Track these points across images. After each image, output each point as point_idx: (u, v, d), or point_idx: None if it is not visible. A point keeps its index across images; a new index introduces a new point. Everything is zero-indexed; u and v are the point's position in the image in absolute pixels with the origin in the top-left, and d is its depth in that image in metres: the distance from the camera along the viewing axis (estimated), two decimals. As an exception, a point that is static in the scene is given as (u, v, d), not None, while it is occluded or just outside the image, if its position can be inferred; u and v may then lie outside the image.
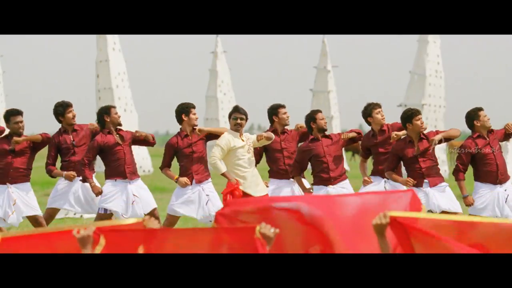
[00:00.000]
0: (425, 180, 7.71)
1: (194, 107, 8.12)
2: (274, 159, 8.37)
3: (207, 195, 8.02)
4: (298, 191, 8.21)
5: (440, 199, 7.71)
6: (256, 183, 7.97)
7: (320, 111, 8.23)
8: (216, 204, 7.95)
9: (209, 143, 8.48)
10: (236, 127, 7.96)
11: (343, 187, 8.00)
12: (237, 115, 7.95)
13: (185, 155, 8.09)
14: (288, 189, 8.28)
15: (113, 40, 27.71)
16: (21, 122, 8.18)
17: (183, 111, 8.07)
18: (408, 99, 26.51)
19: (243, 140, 8.00)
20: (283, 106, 8.46)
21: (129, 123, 28.16)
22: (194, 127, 8.08)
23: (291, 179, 8.28)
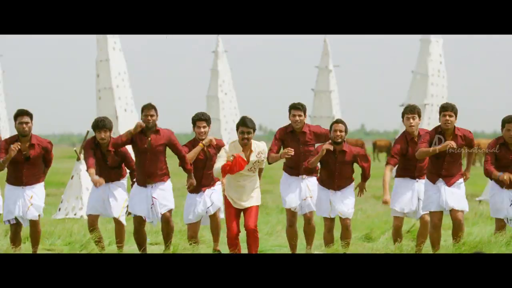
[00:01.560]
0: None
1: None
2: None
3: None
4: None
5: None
6: (241, 198, 7.90)
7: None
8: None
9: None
10: (244, 142, 7.85)
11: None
12: (244, 130, 7.84)
13: None
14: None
15: (113, 40, 27.65)
16: (26, 123, 8.14)
17: None
18: (410, 99, 26.47)
19: (248, 158, 7.85)
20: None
21: (130, 123, 28.17)
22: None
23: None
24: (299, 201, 8.41)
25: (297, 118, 8.40)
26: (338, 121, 8.35)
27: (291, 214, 8.48)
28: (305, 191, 8.45)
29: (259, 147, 7.94)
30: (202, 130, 8.52)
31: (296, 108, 8.43)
